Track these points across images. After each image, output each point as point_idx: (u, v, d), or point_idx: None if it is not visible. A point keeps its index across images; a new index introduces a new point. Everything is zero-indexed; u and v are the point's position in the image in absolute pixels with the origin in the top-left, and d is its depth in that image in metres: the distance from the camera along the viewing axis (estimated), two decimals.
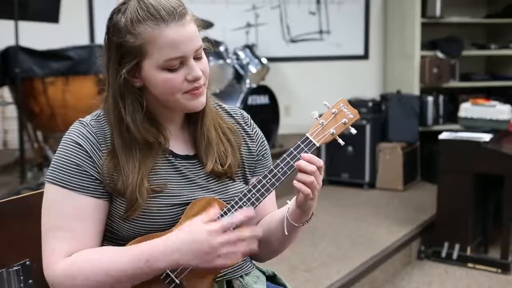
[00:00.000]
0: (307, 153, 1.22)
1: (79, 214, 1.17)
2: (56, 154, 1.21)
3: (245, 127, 1.38)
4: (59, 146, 1.22)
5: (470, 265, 3.26)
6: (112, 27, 1.19)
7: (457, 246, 3.28)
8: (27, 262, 1.27)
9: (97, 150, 1.20)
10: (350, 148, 4.46)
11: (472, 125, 3.59)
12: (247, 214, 1.14)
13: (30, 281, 1.27)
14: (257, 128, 1.41)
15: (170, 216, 1.21)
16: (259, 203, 1.21)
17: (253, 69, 4.46)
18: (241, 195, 1.21)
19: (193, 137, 1.30)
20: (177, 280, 1.18)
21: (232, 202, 1.21)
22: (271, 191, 1.22)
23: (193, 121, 1.30)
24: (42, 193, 1.22)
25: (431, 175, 4.47)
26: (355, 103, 4.37)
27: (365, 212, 3.86)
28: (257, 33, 4.81)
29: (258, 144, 1.39)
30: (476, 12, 5.36)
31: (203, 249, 1.10)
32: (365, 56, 5.43)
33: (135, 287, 1.16)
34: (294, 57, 5.29)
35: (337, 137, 1.26)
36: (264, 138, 1.42)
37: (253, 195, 1.21)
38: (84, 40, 4.61)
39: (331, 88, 5.08)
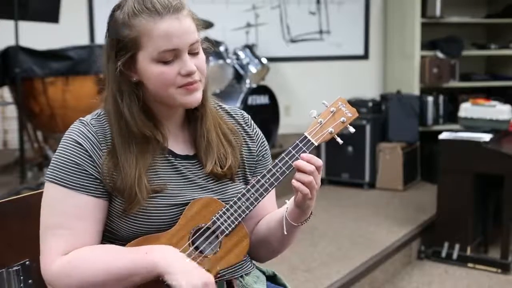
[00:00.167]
0: (306, 152, 1.22)
1: (79, 213, 1.18)
2: (56, 153, 1.21)
3: (246, 127, 1.38)
4: (59, 145, 1.22)
5: (470, 265, 3.26)
6: (112, 23, 1.21)
7: (457, 246, 3.28)
8: (27, 262, 1.28)
9: (97, 150, 1.20)
10: (350, 148, 4.46)
11: (472, 125, 3.59)
12: None
13: (30, 281, 1.28)
14: (257, 129, 1.41)
15: (169, 216, 1.21)
16: (258, 203, 1.21)
17: (253, 69, 4.46)
18: (239, 195, 1.21)
19: (193, 137, 1.30)
20: None
21: (231, 202, 1.22)
22: (270, 191, 1.22)
23: (193, 120, 1.30)
24: (42, 193, 1.23)
25: (431, 175, 4.47)
26: (355, 103, 4.37)
27: (365, 212, 3.86)
28: (257, 33, 4.81)
29: (258, 145, 1.39)
30: (476, 12, 5.36)
31: (193, 279, 1.10)
32: (365, 56, 5.43)
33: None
34: (294, 57, 5.28)
35: (336, 136, 1.26)
36: (264, 139, 1.42)
37: (252, 195, 1.21)
38: (84, 40, 4.61)
39: (331, 88, 5.07)
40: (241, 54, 4.47)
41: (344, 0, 5.31)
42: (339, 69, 5.34)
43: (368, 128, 4.45)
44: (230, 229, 1.21)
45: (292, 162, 1.21)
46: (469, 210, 3.28)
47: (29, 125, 3.91)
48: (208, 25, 4.16)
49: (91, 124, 1.22)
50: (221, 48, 4.34)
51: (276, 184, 1.22)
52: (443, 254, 3.31)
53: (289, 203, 1.28)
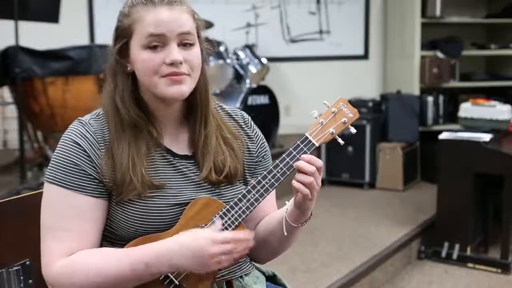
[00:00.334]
0: (307, 153, 1.21)
1: (78, 213, 1.17)
2: (55, 154, 1.21)
3: (245, 128, 1.38)
4: (58, 146, 1.22)
5: (470, 265, 3.26)
6: (118, 15, 1.24)
7: (457, 246, 3.28)
8: (27, 262, 1.27)
9: (96, 150, 1.20)
10: (350, 148, 4.46)
11: (472, 125, 3.59)
12: (247, 235, 1.16)
13: (30, 281, 1.28)
14: (257, 130, 1.41)
15: (170, 216, 1.21)
16: (258, 204, 1.21)
17: (253, 69, 4.46)
18: (240, 196, 1.21)
19: (192, 138, 1.29)
20: (176, 282, 1.18)
21: (231, 203, 1.21)
22: (270, 191, 1.21)
23: (193, 120, 1.29)
24: (42, 193, 1.22)
25: (431, 175, 4.47)
26: (355, 103, 4.35)
27: (365, 212, 3.86)
28: (257, 33, 4.81)
29: (258, 146, 1.38)
30: (476, 12, 5.36)
31: (203, 256, 1.10)
32: (365, 56, 5.43)
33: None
34: (294, 57, 5.28)
35: (337, 136, 1.25)
36: (264, 140, 1.41)
37: (252, 196, 1.21)
38: (84, 40, 4.61)
39: (331, 88, 5.07)
40: (241, 54, 4.47)
41: (344, 0, 5.31)
42: (339, 69, 5.34)
43: (368, 128, 4.45)
44: (230, 229, 1.21)
45: (293, 162, 1.21)
46: (469, 210, 3.28)
47: (29, 125, 3.90)
48: (208, 25, 4.16)
49: (90, 124, 1.22)
50: (221, 48, 4.34)
51: (276, 184, 1.22)
52: (443, 254, 3.31)
53: (289, 204, 1.28)
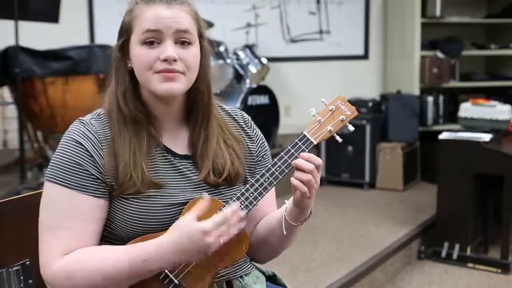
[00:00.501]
0: (305, 151, 1.21)
1: (79, 213, 1.18)
2: (56, 153, 1.21)
3: (246, 128, 1.38)
4: (59, 145, 1.22)
5: (470, 265, 3.26)
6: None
7: (457, 246, 3.28)
8: (27, 262, 1.27)
9: (98, 149, 1.20)
10: (350, 148, 4.46)
11: (472, 125, 3.59)
12: (238, 215, 1.14)
13: (30, 281, 1.28)
14: (257, 129, 1.41)
15: (169, 216, 1.21)
16: (257, 202, 1.21)
17: (253, 69, 4.46)
18: (239, 194, 1.21)
19: (192, 138, 1.29)
20: (176, 281, 1.18)
21: (230, 201, 1.21)
22: (269, 189, 1.21)
23: (193, 120, 1.29)
24: (42, 193, 1.22)
25: (431, 175, 4.47)
26: (355, 103, 4.33)
27: (365, 212, 3.86)
28: (257, 33, 4.81)
29: (258, 145, 1.38)
30: (476, 12, 5.36)
31: (199, 248, 1.10)
32: (365, 56, 5.43)
33: (135, 287, 1.16)
34: (294, 57, 5.28)
35: (335, 134, 1.25)
36: (264, 139, 1.42)
37: (251, 194, 1.21)
38: (84, 40, 4.61)
39: (331, 88, 5.07)
40: (241, 54, 4.47)
41: (344, 0, 5.31)
42: (339, 69, 5.34)
43: (368, 128, 4.45)
44: None
45: (292, 161, 1.21)
46: (469, 210, 3.28)
47: (29, 125, 3.90)
48: (208, 25, 4.16)
49: (91, 124, 1.23)
50: (221, 48, 4.34)
51: (275, 183, 1.21)
52: (443, 254, 3.31)
53: (289, 203, 1.28)
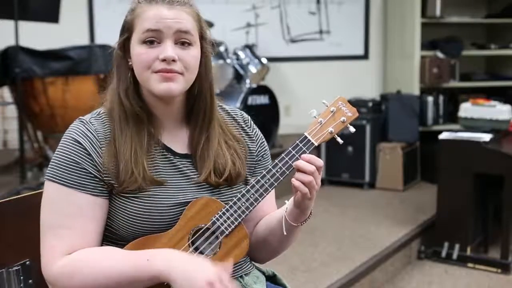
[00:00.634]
0: (306, 152, 1.21)
1: (79, 212, 1.18)
2: (56, 152, 1.22)
3: (245, 128, 1.38)
4: (59, 144, 1.23)
5: (470, 265, 3.26)
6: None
7: (457, 246, 3.28)
8: (27, 262, 1.27)
9: (97, 148, 1.20)
10: (350, 148, 4.46)
11: (472, 125, 3.59)
12: None
13: (30, 281, 1.28)
14: (257, 129, 1.41)
15: (169, 216, 1.21)
16: (257, 203, 1.21)
17: (253, 69, 4.46)
18: (239, 195, 1.21)
19: (192, 138, 1.29)
20: None
21: (231, 203, 1.21)
22: (270, 191, 1.21)
23: (194, 121, 1.29)
24: (42, 193, 1.23)
25: (431, 175, 4.47)
26: (355, 103, 4.35)
27: (365, 212, 3.86)
28: (257, 33, 4.81)
29: (258, 145, 1.39)
30: (476, 12, 5.36)
31: (196, 283, 1.08)
32: (365, 56, 5.43)
33: None
34: (294, 57, 5.28)
35: (336, 135, 1.25)
36: (264, 139, 1.42)
37: (252, 196, 1.21)
38: (84, 40, 4.61)
39: (331, 88, 5.07)
40: (241, 54, 4.47)
41: (344, 0, 5.31)
42: (339, 69, 5.34)
43: (368, 128, 4.45)
44: (229, 229, 1.21)
45: (292, 162, 1.21)
46: (469, 210, 3.28)
47: (29, 125, 3.90)
48: (208, 25, 4.16)
49: (91, 123, 1.23)
50: (221, 48, 4.35)
51: (276, 184, 1.21)
52: (443, 254, 3.31)
53: (289, 203, 1.28)
